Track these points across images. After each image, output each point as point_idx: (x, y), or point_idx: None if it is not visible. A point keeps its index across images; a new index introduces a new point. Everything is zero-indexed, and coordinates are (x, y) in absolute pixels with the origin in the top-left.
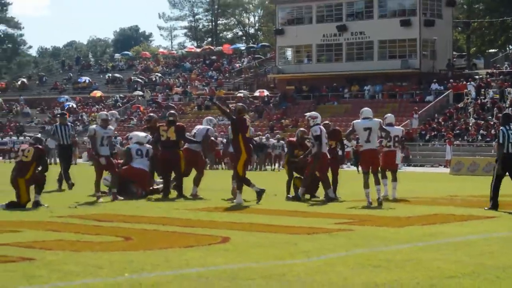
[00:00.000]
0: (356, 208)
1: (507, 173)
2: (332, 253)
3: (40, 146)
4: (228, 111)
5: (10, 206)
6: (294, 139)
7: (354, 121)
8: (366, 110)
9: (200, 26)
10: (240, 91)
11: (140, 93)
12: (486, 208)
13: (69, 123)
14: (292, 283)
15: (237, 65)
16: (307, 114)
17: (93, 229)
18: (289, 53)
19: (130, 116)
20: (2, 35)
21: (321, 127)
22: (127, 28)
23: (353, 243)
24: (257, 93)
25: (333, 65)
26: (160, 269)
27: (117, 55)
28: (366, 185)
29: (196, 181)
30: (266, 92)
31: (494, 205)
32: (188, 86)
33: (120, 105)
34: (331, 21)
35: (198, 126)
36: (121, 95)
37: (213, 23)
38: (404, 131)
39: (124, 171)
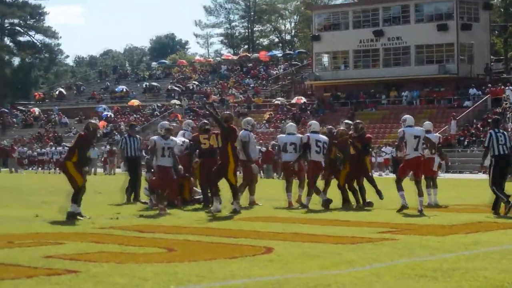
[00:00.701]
0: (399, 215)
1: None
2: (377, 263)
3: (82, 133)
4: (219, 117)
5: (75, 200)
6: None
7: (404, 129)
8: (410, 118)
9: (236, 33)
10: (277, 98)
11: (178, 101)
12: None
13: (138, 135)
14: None
15: (274, 72)
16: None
17: (135, 241)
18: (325, 59)
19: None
20: (39, 45)
21: (309, 135)
22: (163, 36)
23: (398, 252)
24: (294, 100)
25: (370, 71)
26: (205, 280)
27: (154, 64)
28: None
29: (251, 189)
30: (303, 99)
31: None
32: (225, 94)
33: (158, 113)
34: (368, 26)
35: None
36: (159, 104)
37: (249, 30)
38: (442, 138)
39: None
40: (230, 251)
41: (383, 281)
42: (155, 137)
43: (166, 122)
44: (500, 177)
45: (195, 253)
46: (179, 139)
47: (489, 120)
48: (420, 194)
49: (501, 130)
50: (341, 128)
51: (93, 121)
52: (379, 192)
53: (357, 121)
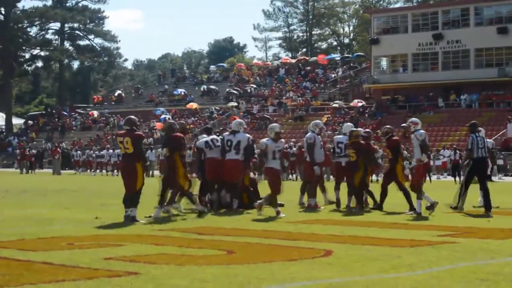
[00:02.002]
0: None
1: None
2: (437, 266)
3: (177, 134)
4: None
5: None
6: None
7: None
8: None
9: (295, 37)
10: (336, 101)
11: (235, 104)
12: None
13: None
14: None
15: (332, 75)
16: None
17: (195, 243)
18: (384, 62)
19: (226, 128)
20: (99, 49)
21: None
22: (221, 39)
23: (458, 256)
24: (352, 103)
25: (429, 74)
26: (265, 283)
27: (212, 67)
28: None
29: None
30: (361, 102)
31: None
32: (283, 97)
33: (216, 116)
34: (427, 29)
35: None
36: (217, 107)
37: (308, 34)
38: (494, 143)
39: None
40: (289, 253)
41: (444, 285)
42: (266, 140)
43: (276, 124)
44: (471, 179)
45: (255, 256)
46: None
47: (467, 124)
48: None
49: (480, 134)
50: (359, 129)
51: (182, 121)
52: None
53: (385, 126)
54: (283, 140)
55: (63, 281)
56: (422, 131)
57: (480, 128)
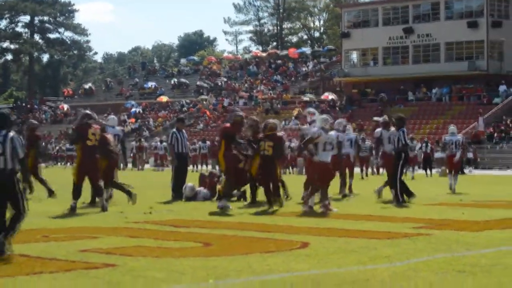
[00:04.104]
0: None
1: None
2: (414, 258)
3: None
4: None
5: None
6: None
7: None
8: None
9: (265, 30)
10: (306, 94)
11: (206, 97)
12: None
13: (184, 130)
14: None
15: (303, 69)
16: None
17: (171, 235)
18: (354, 56)
19: (197, 121)
20: (69, 42)
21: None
22: (191, 33)
23: (434, 247)
24: (323, 97)
25: (399, 67)
26: (244, 275)
27: (182, 60)
28: None
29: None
30: (332, 96)
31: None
32: (254, 91)
33: (186, 110)
34: (397, 23)
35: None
36: (187, 100)
37: (278, 27)
38: (465, 139)
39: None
40: (266, 245)
41: (422, 276)
42: (318, 130)
43: (326, 116)
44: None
45: (232, 248)
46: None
47: (395, 118)
48: None
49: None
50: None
51: (239, 113)
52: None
53: (268, 120)
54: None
55: (41, 273)
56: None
57: (452, 126)
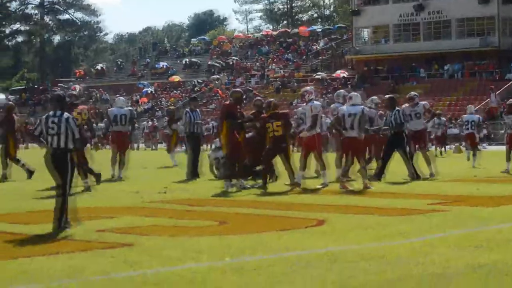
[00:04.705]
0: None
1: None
2: (430, 234)
3: (226, 102)
4: None
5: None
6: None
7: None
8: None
9: (276, 9)
10: (318, 73)
11: (218, 77)
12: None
13: (197, 109)
14: (395, 265)
15: (314, 47)
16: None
17: (186, 214)
18: (365, 33)
19: (209, 100)
20: (79, 23)
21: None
22: (202, 12)
23: (450, 223)
24: (335, 74)
25: (410, 44)
26: (259, 253)
27: (193, 40)
28: None
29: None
30: (344, 73)
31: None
32: (266, 70)
33: (198, 89)
34: (408, 0)
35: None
36: (199, 80)
37: (289, 5)
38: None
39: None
40: (281, 223)
41: (439, 252)
42: (340, 106)
43: (342, 90)
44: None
45: (247, 226)
46: None
47: (386, 97)
48: None
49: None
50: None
51: (237, 89)
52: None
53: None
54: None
55: (57, 254)
56: (317, 102)
57: (470, 106)
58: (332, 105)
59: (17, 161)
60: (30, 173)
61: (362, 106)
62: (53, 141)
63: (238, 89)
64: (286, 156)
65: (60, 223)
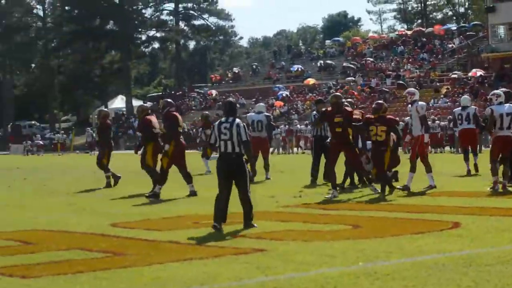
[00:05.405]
0: None
1: None
2: None
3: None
4: None
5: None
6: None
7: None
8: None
9: (410, 8)
10: (454, 72)
11: (353, 78)
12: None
13: None
14: None
15: (450, 45)
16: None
17: (320, 218)
18: (502, 30)
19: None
20: (213, 28)
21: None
22: (335, 14)
23: None
24: (471, 73)
25: None
26: (394, 257)
27: (327, 42)
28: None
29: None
30: (480, 72)
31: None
32: (401, 70)
33: (333, 91)
34: None
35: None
36: (334, 82)
37: (423, 4)
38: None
39: None
40: (416, 226)
41: None
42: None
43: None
44: None
45: (381, 229)
46: None
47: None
48: None
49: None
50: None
51: (335, 94)
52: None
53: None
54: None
55: (191, 260)
56: (422, 102)
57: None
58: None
59: (107, 170)
60: (116, 179)
61: None
62: (226, 146)
63: (336, 94)
64: (381, 163)
65: (248, 223)
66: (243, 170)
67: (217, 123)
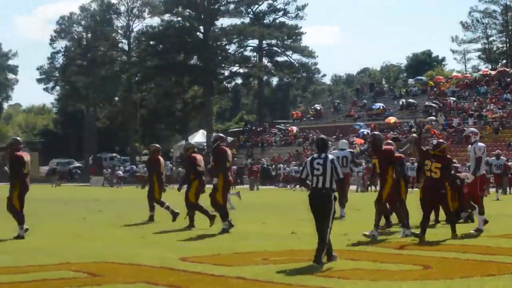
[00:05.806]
0: None
1: None
2: None
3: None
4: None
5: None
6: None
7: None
8: None
9: (494, 48)
10: None
11: (434, 118)
12: None
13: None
14: None
15: None
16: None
17: (391, 258)
18: None
19: (425, 141)
20: (297, 65)
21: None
22: (419, 53)
23: None
24: None
25: None
26: None
27: (410, 80)
28: None
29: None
30: None
31: None
32: (483, 110)
33: (415, 130)
34: None
35: None
36: (416, 121)
37: (508, 44)
38: None
39: None
40: (487, 268)
41: None
42: None
43: None
44: None
45: (451, 271)
46: None
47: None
48: None
49: None
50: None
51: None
52: None
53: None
54: None
55: None
56: (481, 144)
57: None
58: None
59: (162, 204)
60: (174, 215)
61: None
62: (318, 181)
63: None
64: (445, 203)
65: (319, 259)
66: (330, 207)
67: (309, 159)
